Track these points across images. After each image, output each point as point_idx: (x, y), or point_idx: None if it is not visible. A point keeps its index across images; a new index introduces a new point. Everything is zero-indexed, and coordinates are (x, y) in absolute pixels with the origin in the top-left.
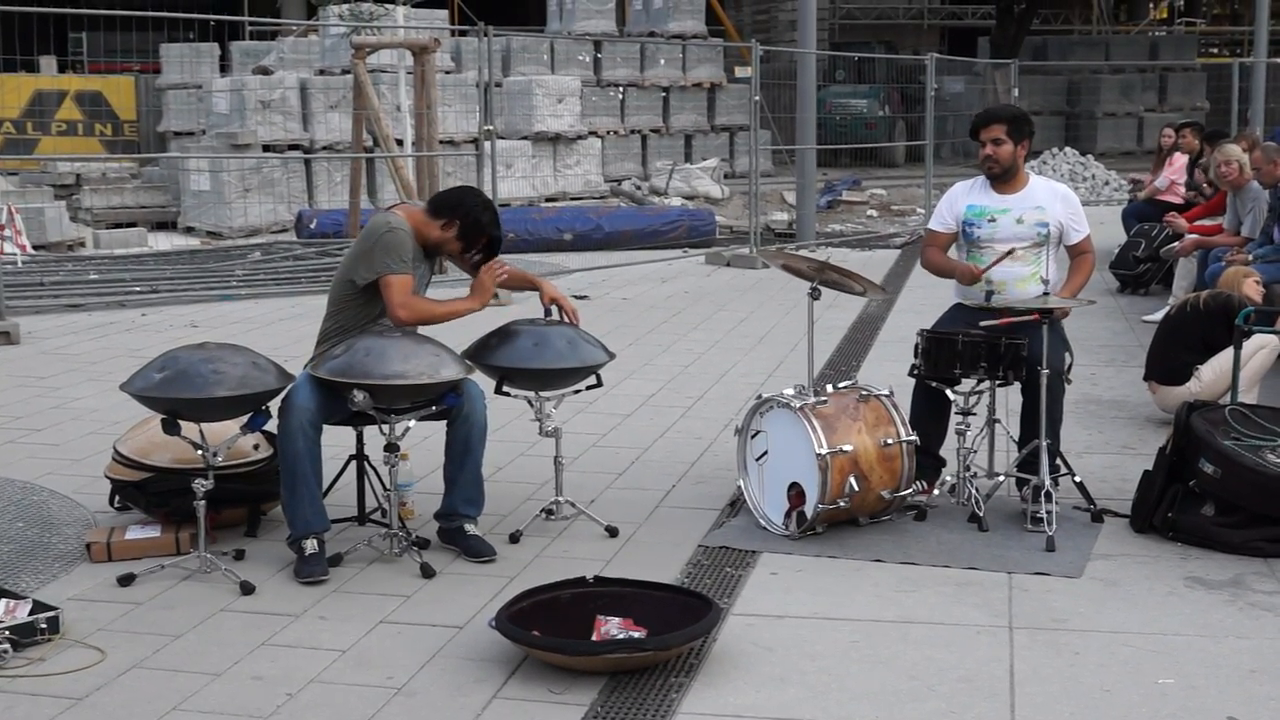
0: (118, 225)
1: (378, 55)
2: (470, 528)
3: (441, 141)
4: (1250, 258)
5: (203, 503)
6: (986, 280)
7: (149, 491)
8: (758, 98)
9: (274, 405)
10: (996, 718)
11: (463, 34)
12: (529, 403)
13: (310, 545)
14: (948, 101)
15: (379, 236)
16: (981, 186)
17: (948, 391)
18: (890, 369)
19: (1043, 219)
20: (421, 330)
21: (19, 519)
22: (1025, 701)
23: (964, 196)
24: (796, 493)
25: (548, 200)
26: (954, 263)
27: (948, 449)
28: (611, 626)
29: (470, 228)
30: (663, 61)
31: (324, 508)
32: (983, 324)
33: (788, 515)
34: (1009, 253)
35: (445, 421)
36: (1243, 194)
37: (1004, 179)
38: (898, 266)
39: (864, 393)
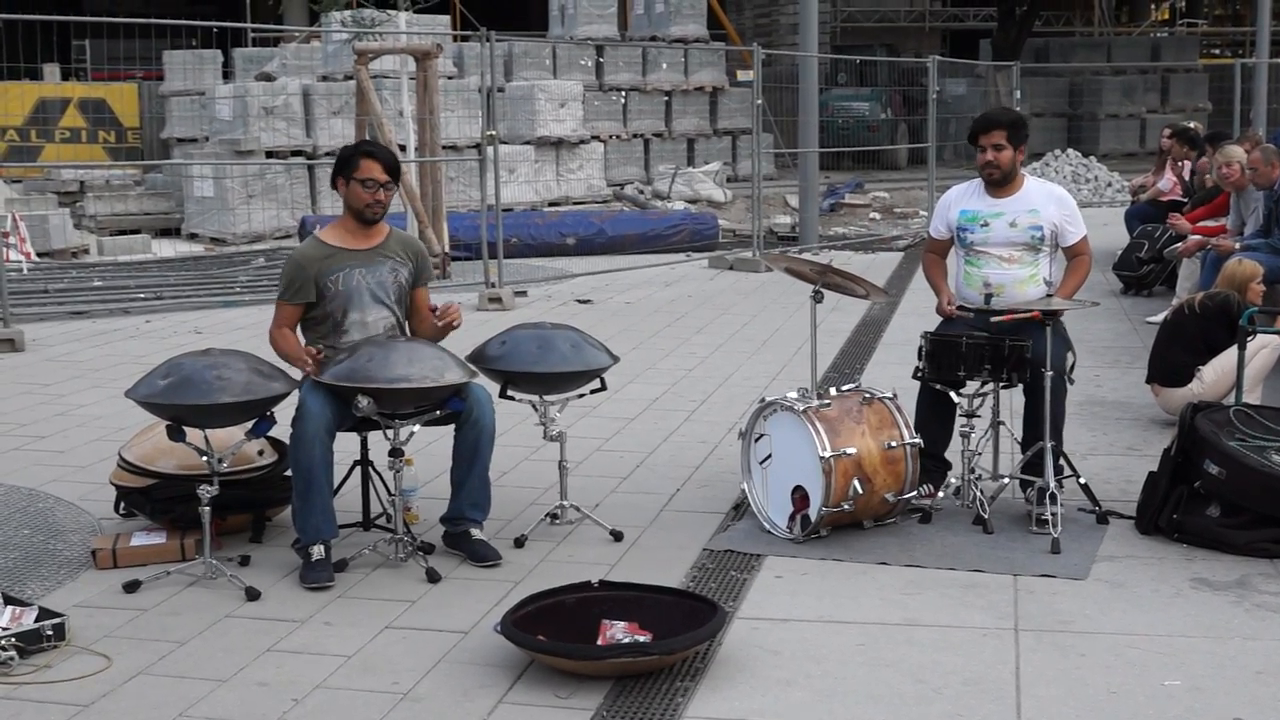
0: (121, 232)
1: (380, 61)
2: (476, 532)
3: (444, 147)
4: (1236, 246)
5: (208, 509)
6: (985, 283)
7: (154, 498)
8: (760, 101)
9: (278, 411)
10: None
11: (465, 39)
12: (533, 407)
13: (317, 551)
14: (950, 104)
15: None
16: (976, 190)
17: (952, 394)
18: (894, 372)
19: (1036, 222)
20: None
21: (25, 526)
22: (1031, 704)
23: (958, 202)
24: (800, 496)
25: (550, 205)
26: (939, 284)
27: (952, 452)
28: (617, 631)
29: (345, 167)
30: (665, 65)
31: (335, 515)
32: (994, 319)
33: (792, 518)
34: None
35: (453, 426)
36: (1246, 195)
37: (1002, 183)
38: (901, 269)
39: (867, 395)
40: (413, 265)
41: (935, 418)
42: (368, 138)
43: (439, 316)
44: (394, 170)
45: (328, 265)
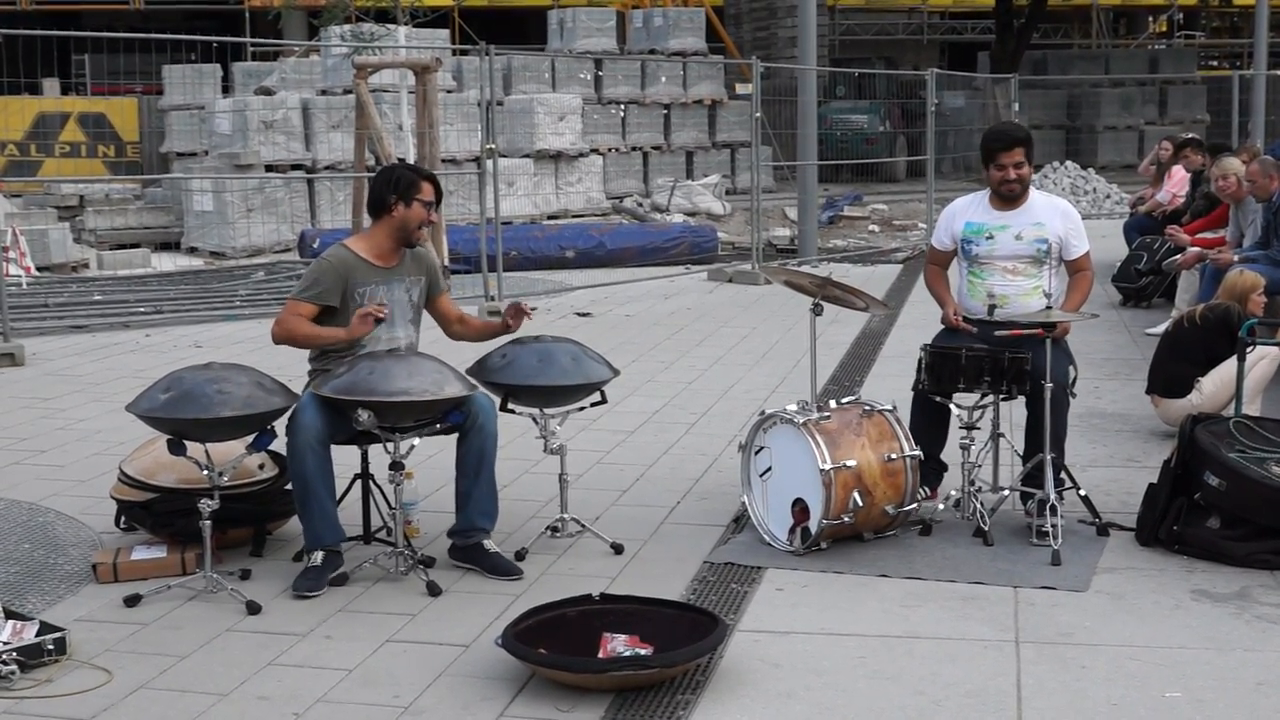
0: (121, 246)
1: (380, 75)
2: (489, 544)
3: (443, 160)
4: (1235, 258)
5: (208, 523)
6: (989, 294)
7: (155, 512)
8: (759, 114)
9: (279, 425)
10: None
11: (464, 53)
12: (534, 420)
13: (314, 558)
14: (948, 116)
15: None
16: (981, 202)
17: (950, 404)
18: (893, 384)
19: (1041, 235)
20: (423, 347)
21: (25, 540)
22: (1033, 716)
23: (963, 214)
24: (800, 508)
25: (550, 218)
26: (944, 295)
27: (953, 462)
28: (618, 644)
29: (406, 189)
30: (663, 79)
31: (336, 520)
32: (997, 333)
33: (792, 531)
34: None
35: (456, 437)
36: (1244, 206)
37: (1016, 198)
38: (900, 281)
39: (867, 408)
40: (426, 279)
41: (929, 422)
42: (368, 152)
43: (507, 320)
44: (439, 190)
45: (358, 277)
